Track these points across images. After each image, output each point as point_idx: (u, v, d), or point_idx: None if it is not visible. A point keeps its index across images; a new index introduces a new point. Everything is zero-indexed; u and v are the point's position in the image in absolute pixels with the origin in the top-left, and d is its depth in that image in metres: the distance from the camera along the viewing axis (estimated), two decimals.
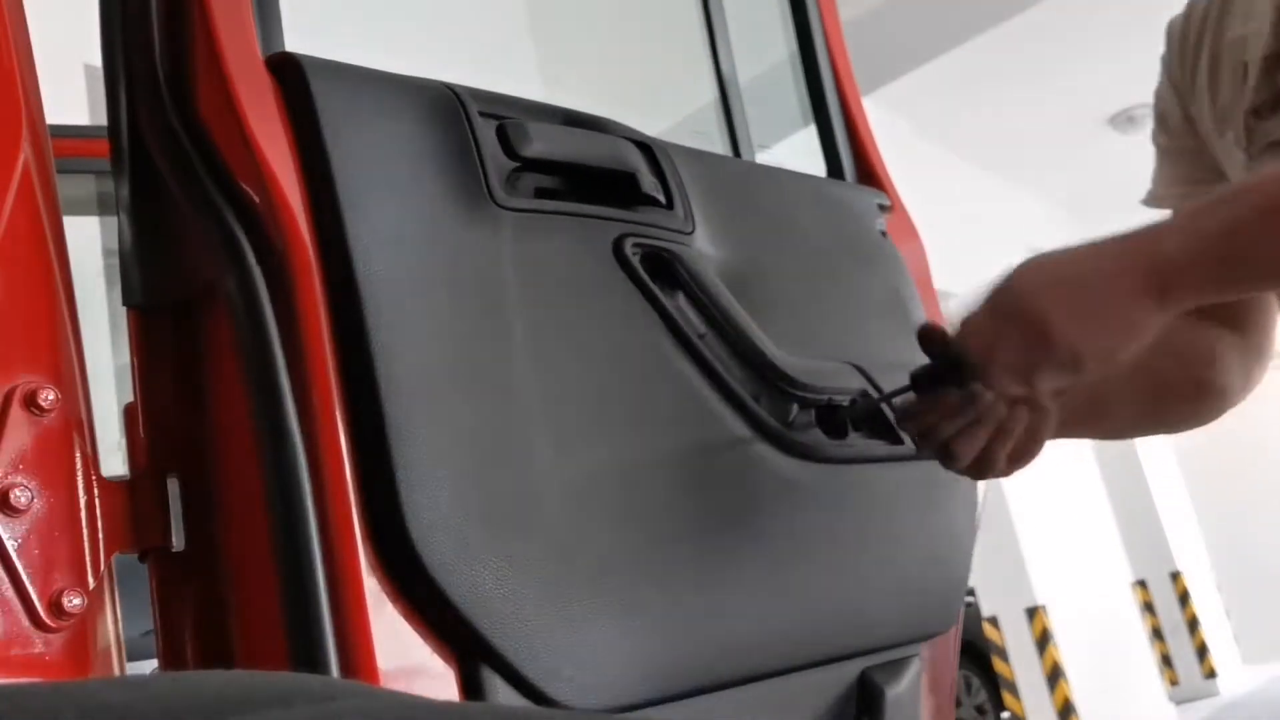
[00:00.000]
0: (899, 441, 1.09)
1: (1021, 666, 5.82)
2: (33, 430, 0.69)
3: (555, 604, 0.81)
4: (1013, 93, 6.14)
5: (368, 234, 0.79)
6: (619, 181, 0.98)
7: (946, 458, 0.95)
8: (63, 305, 0.74)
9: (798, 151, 1.50)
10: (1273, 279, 0.90)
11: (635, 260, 0.96)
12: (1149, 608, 7.83)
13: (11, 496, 0.67)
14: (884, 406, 1.05)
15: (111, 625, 0.74)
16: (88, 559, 0.71)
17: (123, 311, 0.82)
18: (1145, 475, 7.97)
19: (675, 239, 1.01)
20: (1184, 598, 7.90)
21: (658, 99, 3.60)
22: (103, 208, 1.95)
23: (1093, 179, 7.43)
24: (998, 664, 5.95)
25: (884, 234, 1.29)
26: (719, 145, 1.48)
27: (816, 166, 1.39)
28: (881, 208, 1.32)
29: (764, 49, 1.56)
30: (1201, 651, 7.82)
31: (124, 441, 0.82)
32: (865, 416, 1.06)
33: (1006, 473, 0.99)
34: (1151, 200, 1.22)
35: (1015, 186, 7.23)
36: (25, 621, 0.67)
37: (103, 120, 0.85)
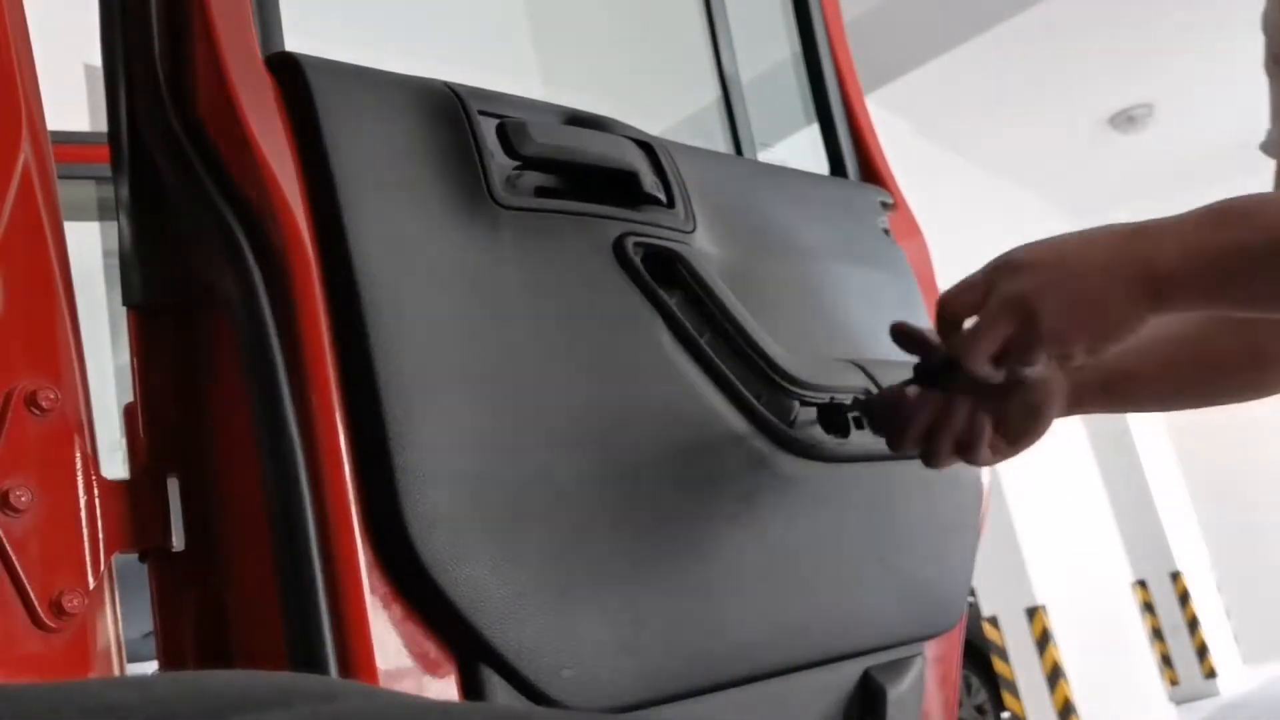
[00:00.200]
0: None
1: (1021, 666, 5.81)
2: (33, 430, 0.69)
3: (555, 603, 0.80)
4: (1013, 92, 6.14)
5: (368, 234, 0.79)
6: (620, 180, 0.98)
7: (926, 455, 0.96)
8: (63, 305, 0.74)
9: (800, 150, 1.50)
10: (1272, 309, 0.88)
11: (636, 259, 0.96)
12: (1149, 608, 7.83)
13: (11, 496, 0.67)
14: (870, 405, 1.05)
15: (111, 625, 0.74)
16: (88, 559, 0.71)
17: (123, 311, 0.82)
18: (1145, 475, 7.97)
19: (676, 238, 1.00)
20: (1184, 598, 7.89)
21: (659, 98, 3.60)
22: (103, 213, 1.96)
23: (1093, 179, 7.44)
24: (998, 664, 5.94)
25: (887, 232, 1.29)
26: (721, 144, 1.48)
27: (819, 165, 1.39)
28: (884, 205, 1.32)
29: (766, 47, 1.56)
30: (1201, 651, 7.82)
31: (124, 441, 0.82)
32: (874, 411, 1.06)
33: (1012, 454, 0.98)
34: (1271, 148, 1.10)
35: (1015, 186, 7.23)
36: (25, 621, 0.66)
37: (102, 122, 0.85)
